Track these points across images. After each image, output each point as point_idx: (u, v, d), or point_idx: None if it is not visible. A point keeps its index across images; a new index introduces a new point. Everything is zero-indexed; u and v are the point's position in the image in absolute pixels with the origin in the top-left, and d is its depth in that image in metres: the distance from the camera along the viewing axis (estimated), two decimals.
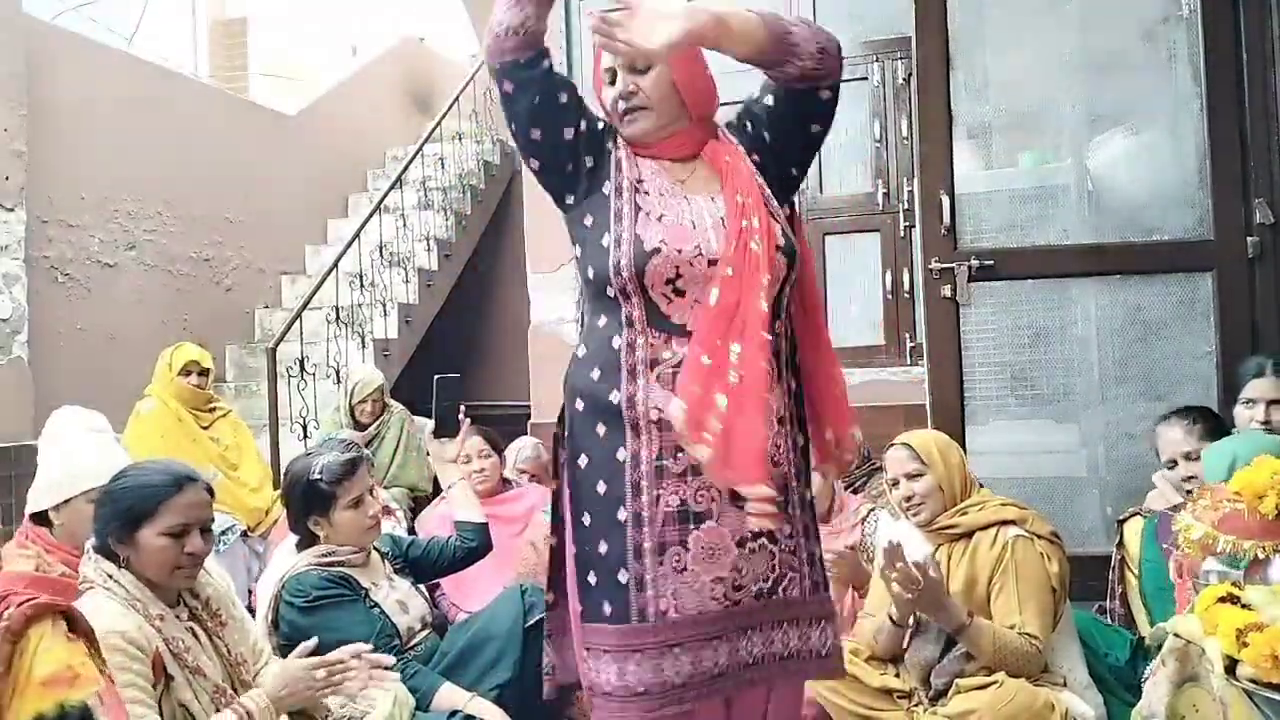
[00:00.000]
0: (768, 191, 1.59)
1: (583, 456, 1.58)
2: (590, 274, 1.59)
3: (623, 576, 1.51)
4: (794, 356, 1.65)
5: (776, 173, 1.64)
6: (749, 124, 1.67)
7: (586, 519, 1.57)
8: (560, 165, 1.62)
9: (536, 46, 1.56)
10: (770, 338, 1.50)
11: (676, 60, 1.59)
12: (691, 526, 1.51)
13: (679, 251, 1.53)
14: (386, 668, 1.94)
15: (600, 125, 1.65)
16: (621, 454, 1.53)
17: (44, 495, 2.20)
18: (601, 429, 1.56)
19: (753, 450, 1.43)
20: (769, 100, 1.64)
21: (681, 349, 1.52)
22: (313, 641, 1.93)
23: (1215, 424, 2.46)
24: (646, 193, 1.59)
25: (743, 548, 1.52)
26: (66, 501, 2.17)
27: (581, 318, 1.65)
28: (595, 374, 1.57)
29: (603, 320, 1.59)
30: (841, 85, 1.62)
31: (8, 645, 1.33)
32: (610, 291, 1.56)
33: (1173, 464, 2.48)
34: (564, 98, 1.59)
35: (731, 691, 1.55)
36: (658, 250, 1.53)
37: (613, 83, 1.63)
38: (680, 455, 1.50)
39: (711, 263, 1.52)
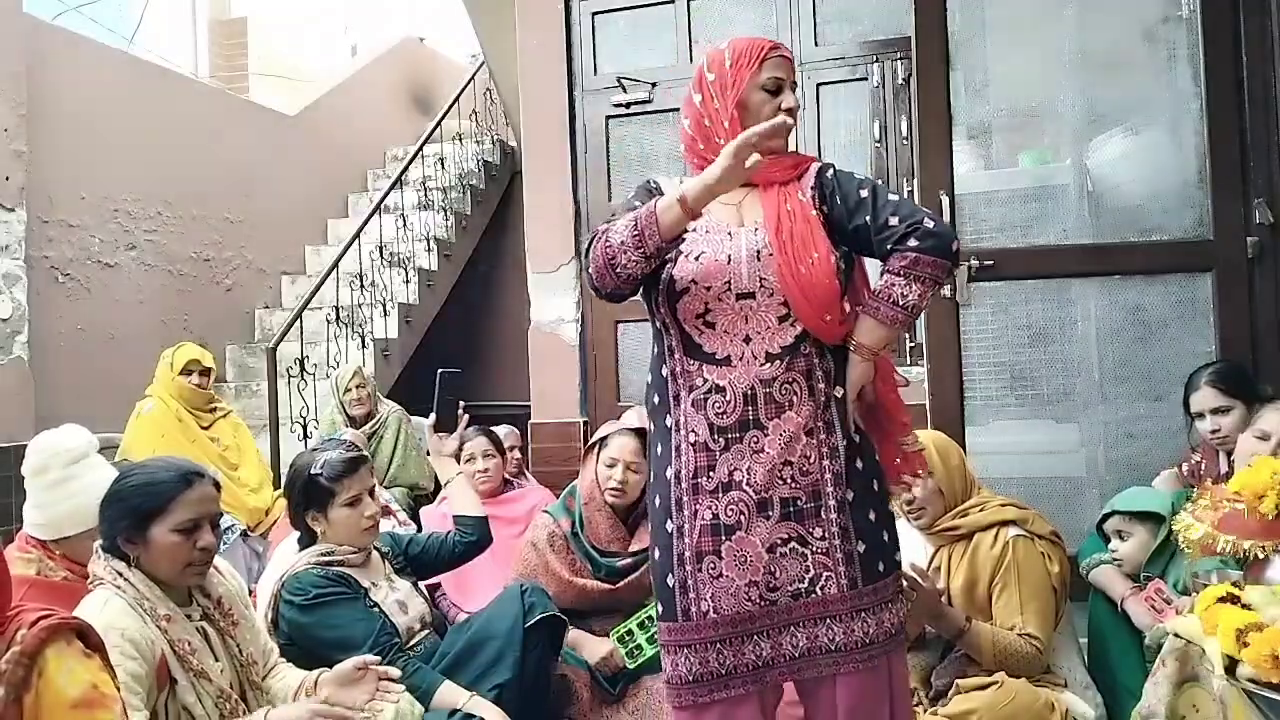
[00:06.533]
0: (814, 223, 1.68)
1: (651, 474, 1.77)
2: (649, 304, 1.73)
3: (670, 580, 1.70)
4: (834, 369, 1.70)
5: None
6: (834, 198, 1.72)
7: (650, 529, 1.77)
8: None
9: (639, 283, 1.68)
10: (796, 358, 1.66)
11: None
12: (723, 538, 1.67)
13: (708, 289, 1.67)
14: (393, 679, 1.98)
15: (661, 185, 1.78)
16: (669, 472, 1.71)
17: (42, 529, 2.14)
18: (659, 449, 1.74)
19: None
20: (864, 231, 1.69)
21: (711, 376, 1.67)
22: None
23: (1242, 379, 2.63)
24: (693, 228, 1.68)
25: (773, 553, 1.66)
26: (65, 538, 2.13)
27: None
28: (655, 399, 1.75)
29: (656, 349, 1.77)
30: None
31: (23, 669, 1.31)
32: (656, 322, 1.73)
33: (1200, 416, 2.63)
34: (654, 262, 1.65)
35: (779, 678, 1.70)
36: (687, 290, 1.67)
37: (777, 92, 1.71)
38: (711, 474, 1.67)
39: (740, 296, 1.66)
